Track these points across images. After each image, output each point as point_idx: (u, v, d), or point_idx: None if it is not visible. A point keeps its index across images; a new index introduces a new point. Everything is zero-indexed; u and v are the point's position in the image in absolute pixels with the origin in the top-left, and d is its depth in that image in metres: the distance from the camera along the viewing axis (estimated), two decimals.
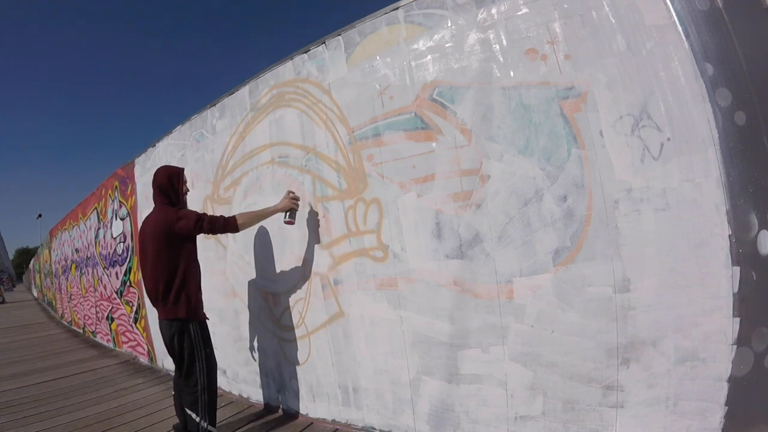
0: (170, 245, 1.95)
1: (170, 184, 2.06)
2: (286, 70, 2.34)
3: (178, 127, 3.28)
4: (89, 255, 5.74)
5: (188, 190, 2.19)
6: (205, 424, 1.92)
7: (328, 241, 2.14)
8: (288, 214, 2.11)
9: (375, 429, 2.04)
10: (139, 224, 3.82)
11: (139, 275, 3.92)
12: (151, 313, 3.69)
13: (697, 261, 1.26)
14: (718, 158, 1.24)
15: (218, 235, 2.18)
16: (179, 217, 1.95)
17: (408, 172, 1.82)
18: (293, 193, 2.15)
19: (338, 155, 2.08)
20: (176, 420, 2.16)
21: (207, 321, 2.05)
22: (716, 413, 1.25)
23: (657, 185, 1.31)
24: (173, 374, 2.13)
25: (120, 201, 4.43)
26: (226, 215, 2.05)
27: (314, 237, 2.21)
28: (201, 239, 2.28)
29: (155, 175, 2.09)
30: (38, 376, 3.79)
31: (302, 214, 2.25)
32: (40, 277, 13.92)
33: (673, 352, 1.30)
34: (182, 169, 2.16)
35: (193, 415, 1.93)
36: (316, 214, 2.20)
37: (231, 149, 2.72)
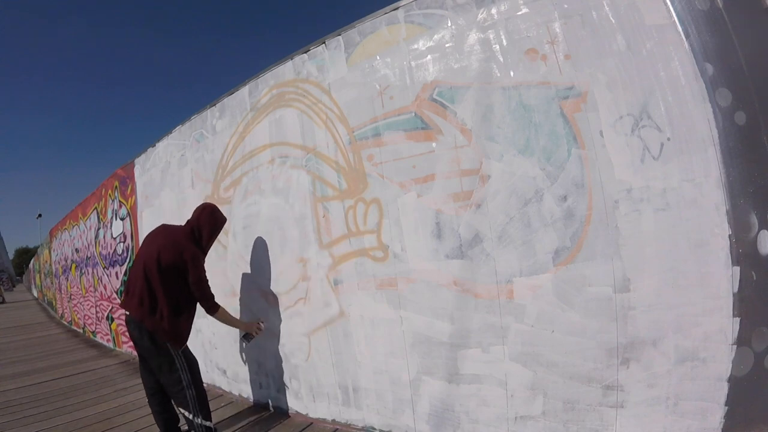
0: (173, 272, 1.97)
1: (211, 231, 2.16)
2: (286, 70, 2.34)
3: (178, 127, 3.28)
4: (89, 255, 5.74)
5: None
6: (200, 420, 1.90)
7: (328, 241, 2.14)
8: (246, 335, 2.34)
9: (375, 429, 2.04)
10: (140, 224, 3.87)
11: None
12: None
13: (697, 261, 1.26)
14: (718, 158, 1.24)
15: (219, 235, 2.30)
16: (193, 257, 1.99)
17: (408, 172, 1.82)
18: (263, 324, 2.37)
19: (338, 155, 2.08)
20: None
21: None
22: (716, 413, 1.26)
23: (657, 185, 1.31)
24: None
25: (120, 201, 4.43)
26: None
27: (314, 237, 2.21)
28: None
29: (205, 207, 2.20)
30: (38, 376, 3.79)
31: (302, 214, 2.26)
32: (40, 277, 13.92)
33: (673, 352, 1.30)
34: (224, 222, 2.26)
35: (186, 413, 1.91)
36: (317, 214, 2.20)
37: (231, 149, 2.72)
